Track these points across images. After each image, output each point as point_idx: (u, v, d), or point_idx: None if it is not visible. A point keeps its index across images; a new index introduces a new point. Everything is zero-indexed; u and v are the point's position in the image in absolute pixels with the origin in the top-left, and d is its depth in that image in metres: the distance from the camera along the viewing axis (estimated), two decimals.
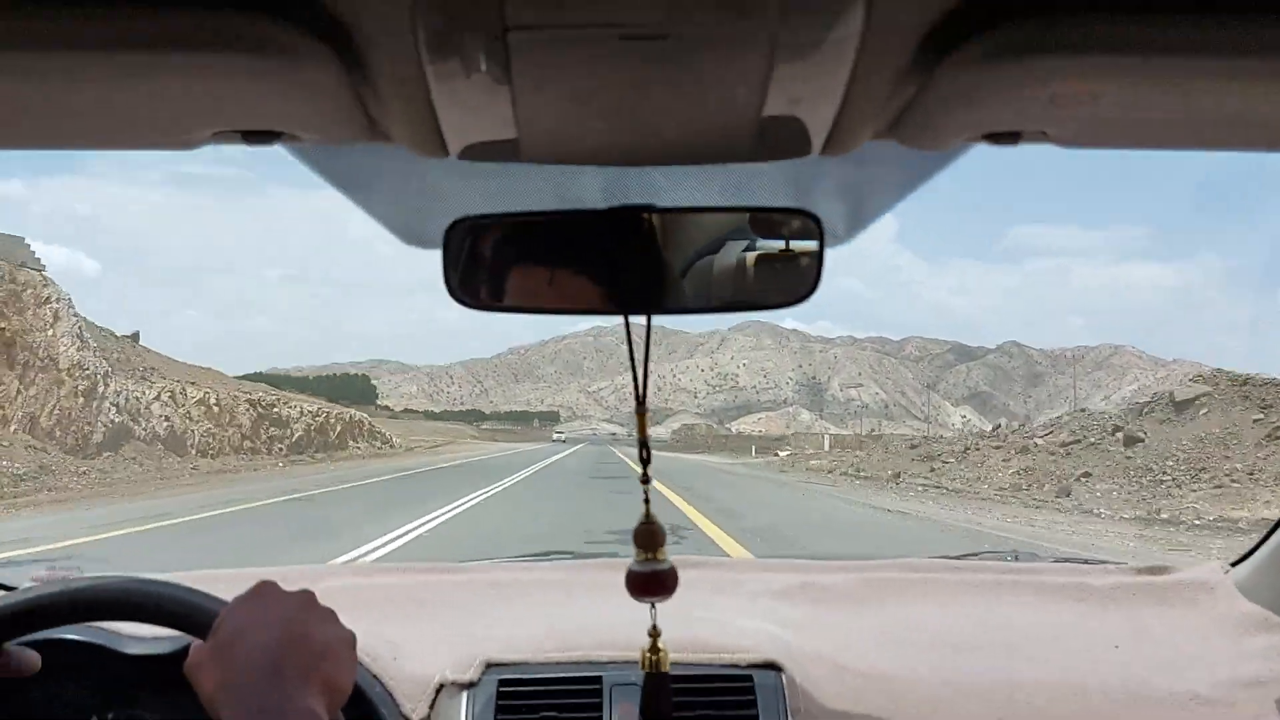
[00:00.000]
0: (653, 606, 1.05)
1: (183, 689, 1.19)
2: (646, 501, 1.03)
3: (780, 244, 0.96)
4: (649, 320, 1.00)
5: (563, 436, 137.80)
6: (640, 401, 1.03)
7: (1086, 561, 1.89)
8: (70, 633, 1.18)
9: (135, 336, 50.11)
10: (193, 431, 40.14)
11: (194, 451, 38.70)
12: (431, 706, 1.29)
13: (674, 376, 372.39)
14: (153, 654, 1.27)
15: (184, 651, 1.15)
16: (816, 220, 0.94)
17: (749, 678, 1.30)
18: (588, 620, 1.48)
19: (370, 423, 66.38)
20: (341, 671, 0.84)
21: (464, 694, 1.30)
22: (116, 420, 35.12)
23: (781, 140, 0.74)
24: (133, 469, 31.20)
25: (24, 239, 37.89)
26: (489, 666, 1.33)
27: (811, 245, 0.94)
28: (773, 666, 1.32)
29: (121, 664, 1.27)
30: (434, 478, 28.86)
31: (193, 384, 44.03)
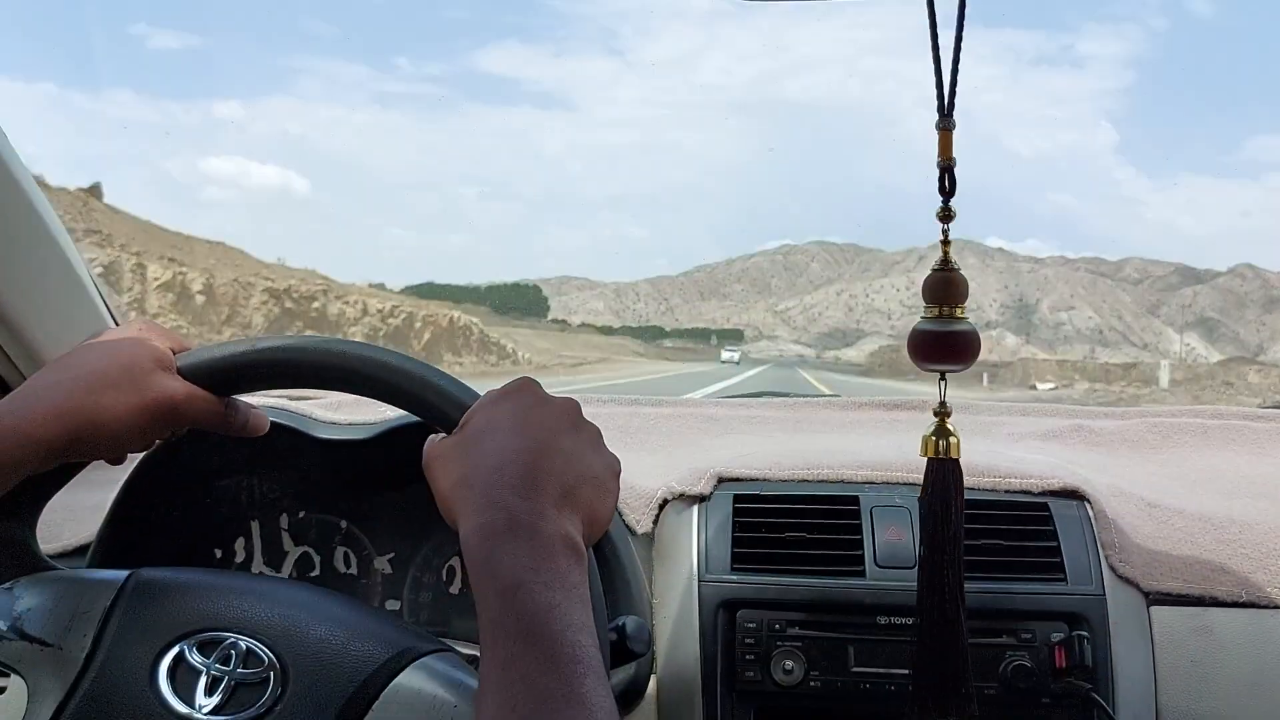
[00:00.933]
0: (942, 378, 0.89)
1: (372, 488, 1.24)
2: (945, 242, 0.85)
3: None
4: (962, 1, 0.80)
5: (735, 358, 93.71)
6: (946, 114, 0.82)
7: None
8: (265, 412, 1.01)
9: (96, 190, 34.90)
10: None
11: None
12: (656, 522, 1.19)
13: (867, 297, 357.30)
14: (347, 439, 1.19)
15: (378, 440, 1.17)
16: None
17: (1044, 505, 1.15)
18: (830, 445, 1.33)
19: (482, 330, 49.96)
20: (604, 500, 0.72)
21: (694, 508, 1.17)
22: None
23: None
24: None
25: None
26: (721, 481, 1.20)
27: None
28: (1074, 494, 1.16)
29: (313, 452, 1.20)
30: None
31: (170, 259, 31.51)
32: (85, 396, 0.76)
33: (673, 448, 1.43)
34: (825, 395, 1.75)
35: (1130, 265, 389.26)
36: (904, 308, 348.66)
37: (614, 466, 0.75)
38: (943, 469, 0.89)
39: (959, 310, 0.84)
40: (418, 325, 41.67)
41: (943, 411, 0.89)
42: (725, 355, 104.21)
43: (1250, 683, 1.08)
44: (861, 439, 1.23)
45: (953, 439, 0.89)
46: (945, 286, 0.84)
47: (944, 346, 0.84)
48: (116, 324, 1.40)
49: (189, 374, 0.82)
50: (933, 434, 0.89)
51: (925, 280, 0.86)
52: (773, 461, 1.24)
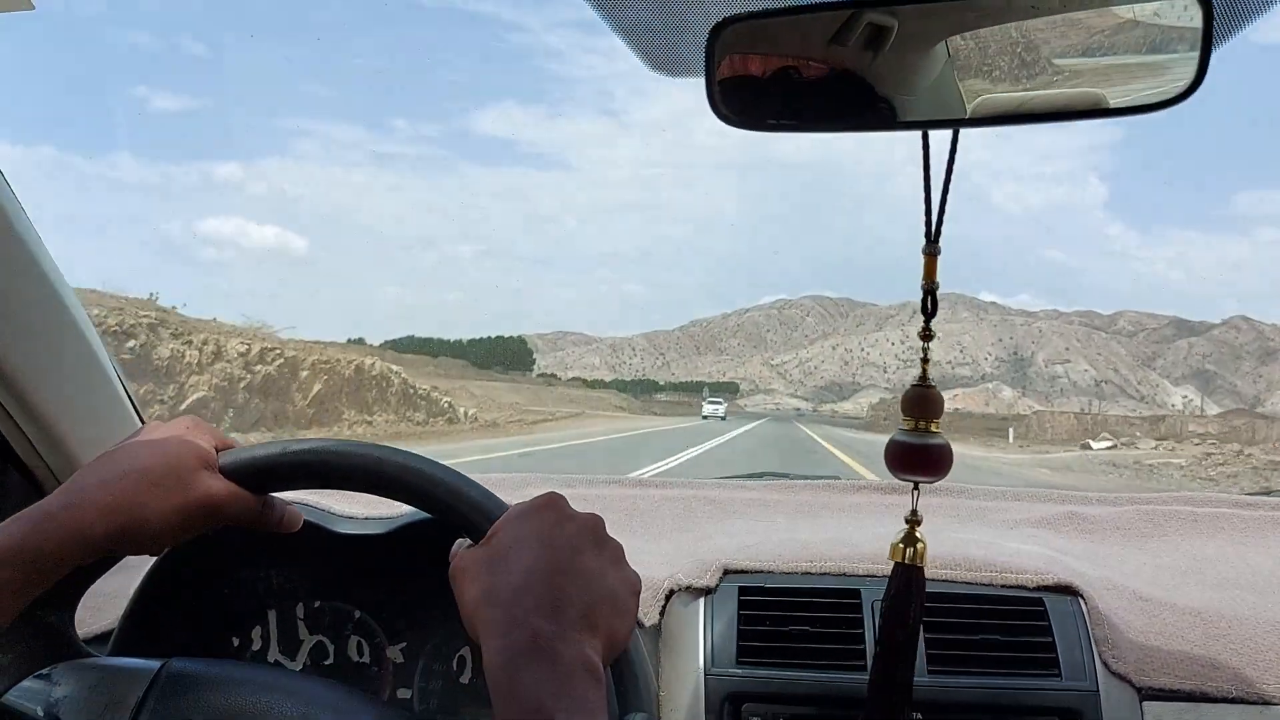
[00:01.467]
0: (915, 489, 0.91)
1: (390, 579, 1.27)
2: (925, 362, 0.90)
3: (1143, 28, 0.75)
4: (955, 134, 0.83)
5: (720, 412, 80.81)
6: (932, 240, 0.86)
7: None
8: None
9: None
10: None
11: None
12: (662, 614, 1.19)
13: (862, 350, 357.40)
14: (366, 534, 1.21)
15: (395, 535, 1.20)
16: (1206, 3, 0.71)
17: (1039, 601, 1.16)
18: (834, 534, 1.34)
19: (405, 381, 36.20)
20: (623, 621, 0.73)
21: (700, 600, 1.18)
22: None
23: None
24: None
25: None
26: (727, 573, 1.21)
27: (1189, 27, 0.72)
28: (1067, 590, 1.17)
29: (332, 546, 1.22)
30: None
31: None
32: (134, 495, 0.78)
33: (679, 533, 1.44)
34: (824, 479, 1.76)
35: (1124, 318, 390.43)
36: (899, 361, 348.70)
37: (634, 585, 0.76)
38: (907, 575, 0.91)
39: (934, 425, 0.87)
40: (303, 374, 29.11)
41: (913, 520, 0.91)
42: (708, 409, 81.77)
43: None
44: (861, 526, 1.22)
45: (919, 545, 0.91)
46: (922, 402, 0.87)
47: (919, 459, 0.87)
48: (140, 416, 1.45)
49: (230, 473, 0.84)
50: (901, 541, 0.92)
51: (904, 394, 0.89)
52: (776, 553, 1.24)
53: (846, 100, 0.83)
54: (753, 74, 0.84)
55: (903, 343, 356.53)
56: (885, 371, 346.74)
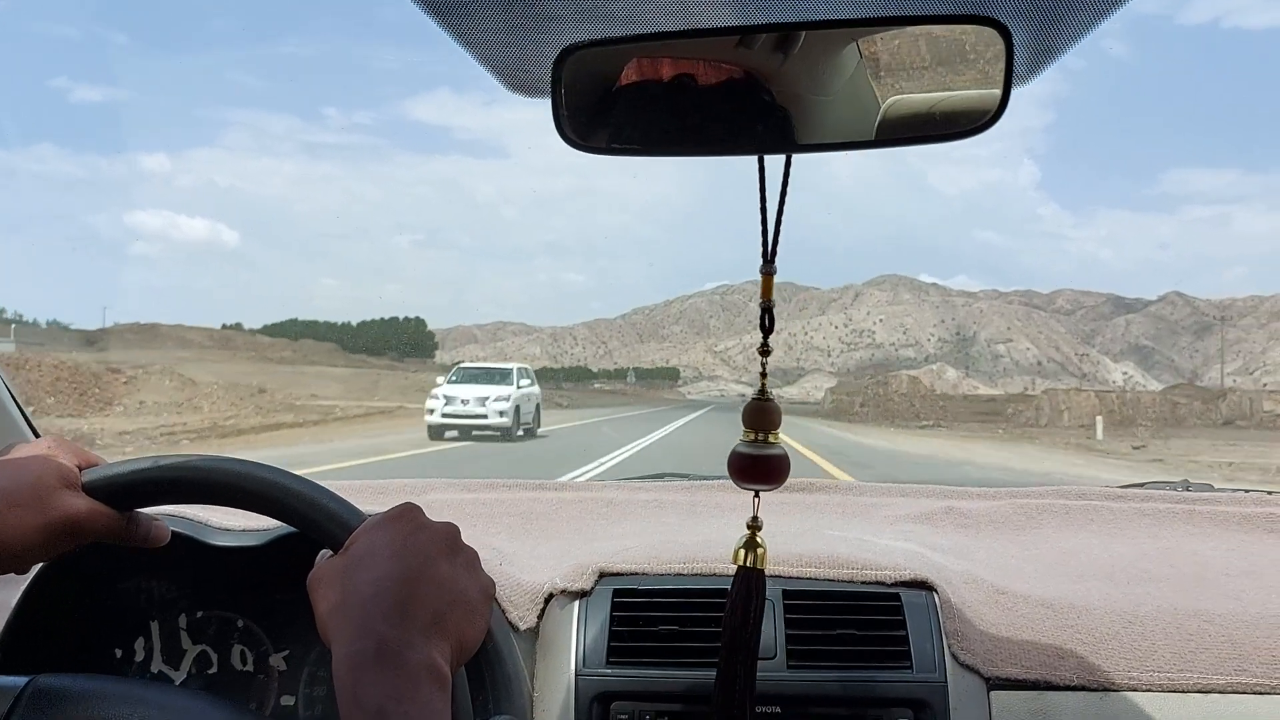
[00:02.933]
0: (756, 496, 0.95)
1: (270, 588, 1.26)
2: (764, 375, 0.94)
3: (954, 64, 0.81)
4: (788, 160, 0.88)
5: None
6: (769, 260, 0.90)
7: (1270, 493, 1.73)
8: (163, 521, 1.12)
9: None
10: None
11: None
12: (540, 616, 1.22)
13: (805, 335, 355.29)
14: (241, 546, 1.22)
15: (272, 546, 1.20)
16: (1005, 32, 0.78)
17: (896, 596, 1.20)
18: (711, 536, 1.38)
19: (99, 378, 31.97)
20: (474, 625, 0.75)
21: (575, 604, 1.22)
22: None
23: None
24: None
25: None
26: (602, 576, 1.25)
27: (992, 66, 0.79)
28: (923, 585, 1.22)
29: (209, 558, 1.22)
30: None
31: None
32: None
33: (572, 535, 1.49)
34: (719, 479, 1.76)
35: (1062, 297, 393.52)
36: (843, 345, 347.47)
37: (488, 589, 0.78)
38: (748, 579, 0.96)
39: (773, 436, 0.92)
40: None
41: (754, 526, 0.96)
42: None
43: None
44: (744, 525, 1.26)
45: (760, 550, 0.96)
46: (761, 415, 0.92)
47: (758, 469, 0.92)
48: (36, 434, 1.45)
49: (93, 490, 0.84)
50: (743, 546, 0.96)
51: (745, 408, 0.93)
52: (653, 555, 1.28)
53: (687, 125, 0.86)
54: (598, 98, 0.85)
55: (846, 325, 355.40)
56: (830, 355, 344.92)
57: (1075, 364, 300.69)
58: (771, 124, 0.84)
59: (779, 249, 0.90)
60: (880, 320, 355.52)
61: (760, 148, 0.86)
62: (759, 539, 0.96)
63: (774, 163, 0.89)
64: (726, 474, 0.91)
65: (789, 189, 0.88)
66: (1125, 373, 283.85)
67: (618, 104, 0.87)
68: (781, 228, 0.89)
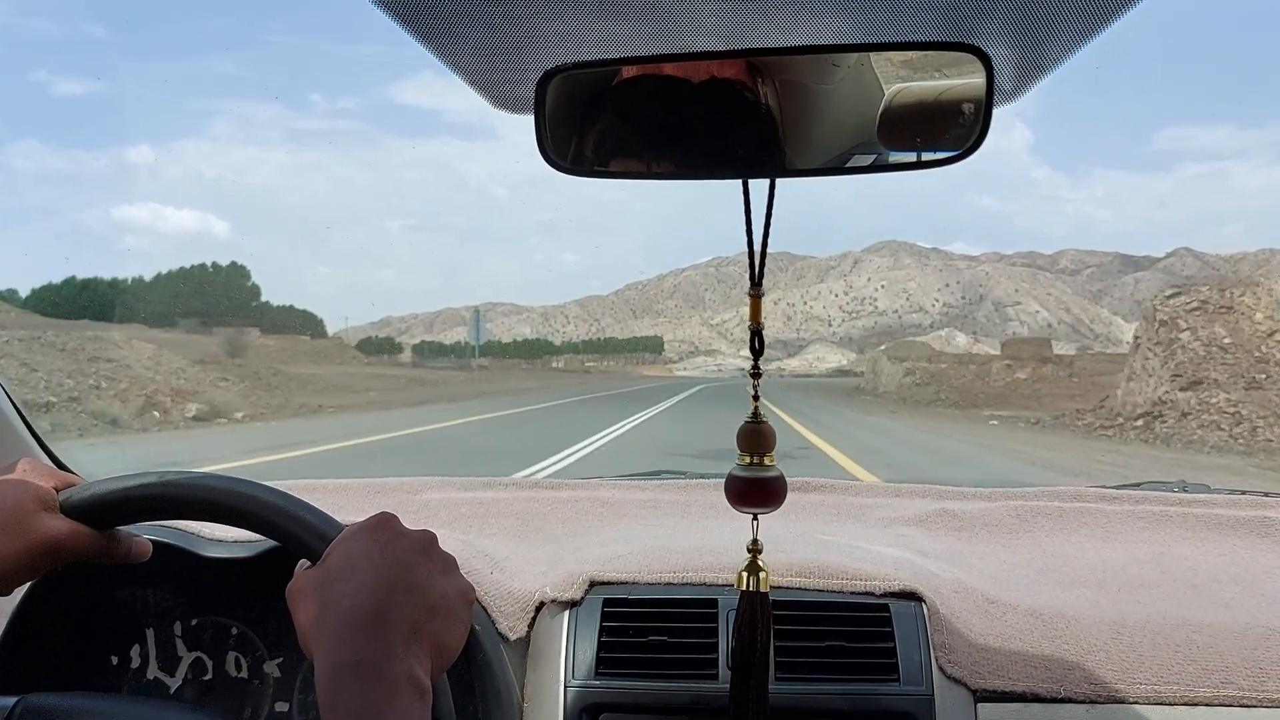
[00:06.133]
0: (755, 519, 0.95)
1: (264, 596, 1.27)
2: (756, 398, 0.94)
3: (935, 90, 0.82)
4: (772, 184, 0.87)
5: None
6: (756, 283, 0.91)
7: (1268, 495, 1.72)
8: (153, 533, 1.09)
9: None
10: None
11: None
12: (531, 625, 1.23)
13: (805, 304, 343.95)
14: (233, 557, 1.23)
15: (264, 556, 1.21)
16: (985, 59, 0.78)
17: (885, 607, 1.20)
18: (703, 542, 1.38)
19: None
20: (453, 631, 0.75)
21: (565, 613, 1.22)
22: None
23: None
24: None
25: None
26: (593, 585, 1.25)
27: (973, 92, 0.80)
28: (912, 596, 1.21)
29: (202, 568, 1.23)
30: None
31: None
32: None
33: (566, 538, 1.48)
34: (718, 477, 1.71)
35: (1066, 257, 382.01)
36: (844, 313, 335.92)
37: (467, 595, 0.78)
38: (752, 602, 0.96)
39: (768, 458, 0.92)
40: None
41: (754, 549, 0.96)
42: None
43: None
44: (738, 528, 1.29)
45: (762, 574, 0.96)
46: (755, 438, 0.91)
47: (756, 492, 0.91)
48: (43, 445, 1.48)
49: (71, 511, 0.85)
50: (745, 570, 0.96)
51: (739, 431, 0.92)
52: (642, 564, 1.28)
53: (671, 150, 0.86)
54: (580, 121, 0.86)
55: (846, 293, 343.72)
56: (830, 325, 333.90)
57: (1087, 325, 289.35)
58: (755, 148, 0.84)
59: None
60: (882, 286, 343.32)
61: (745, 172, 0.86)
62: (761, 562, 0.96)
63: (758, 185, 0.88)
64: (722, 472, 0.89)
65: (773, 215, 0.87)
66: (1138, 335, 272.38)
67: (600, 127, 0.87)
68: (765, 251, 0.89)
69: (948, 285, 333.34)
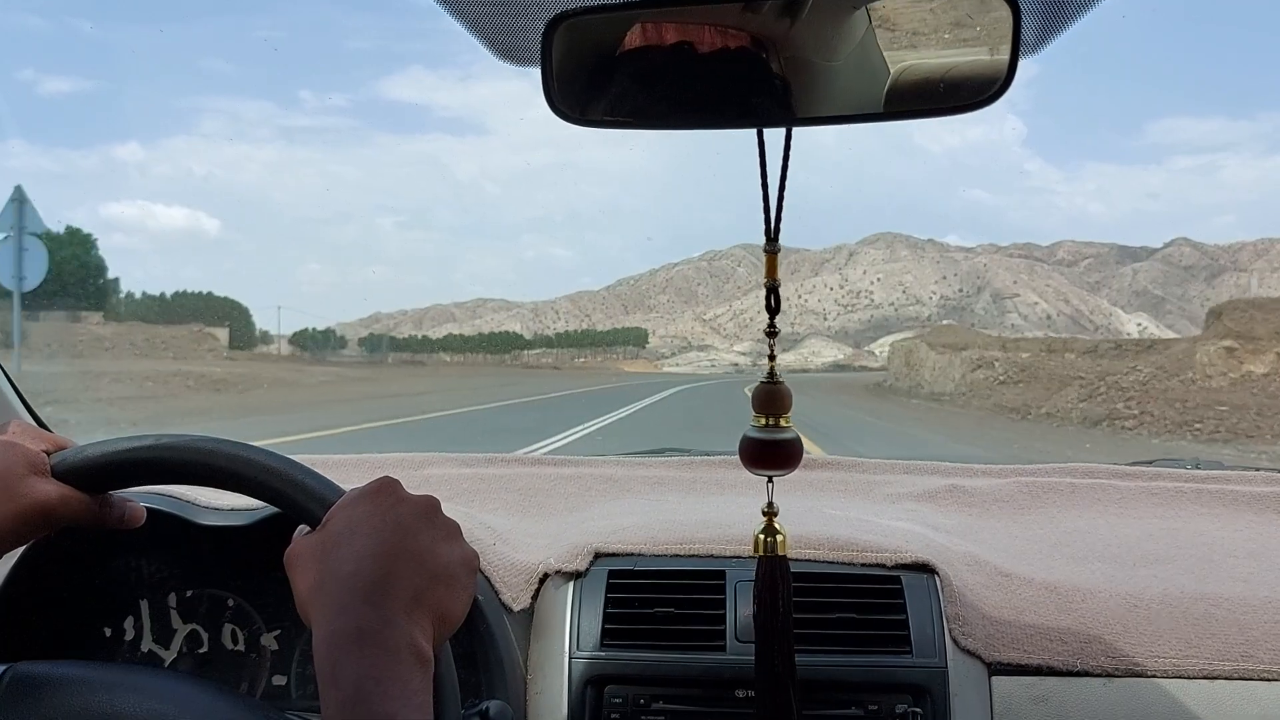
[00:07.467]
0: (770, 481, 0.93)
1: (259, 566, 1.25)
2: (772, 357, 0.92)
3: (962, 33, 0.79)
4: (789, 133, 0.84)
5: None
6: (772, 238, 0.87)
7: None
8: (148, 500, 1.06)
9: None
10: None
11: None
12: (534, 597, 1.22)
13: (799, 298, 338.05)
14: (230, 525, 1.21)
15: (262, 525, 1.19)
16: (1014, 5, 0.75)
17: (896, 579, 1.19)
18: (709, 515, 1.37)
19: None
20: (456, 598, 0.73)
21: (570, 584, 1.21)
22: None
23: None
24: None
25: None
26: (598, 556, 1.24)
27: (998, 37, 0.76)
28: (924, 568, 1.20)
29: (198, 537, 1.21)
30: None
31: None
32: None
33: (569, 512, 1.47)
34: (722, 454, 1.72)
35: (1063, 248, 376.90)
36: (839, 307, 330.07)
37: (470, 562, 0.76)
38: (771, 565, 0.94)
39: (784, 420, 0.89)
40: None
41: (770, 512, 0.94)
42: None
43: None
44: (743, 505, 1.26)
45: (779, 536, 0.94)
46: (771, 399, 0.89)
47: (770, 454, 0.89)
48: (34, 415, 1.46)
49: (62, 475, 0.82)
50: (762, 532, 0.94)
51: (754, 392, 0.90)
52: (648, 536, 1.26)
53: (684, 97, 0.83)
54: (590, 68, 0.83)
55: (841, 287, 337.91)
56: (826, 319, 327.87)
57: (1087, 317, 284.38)
58: (772, 95, 0.81)
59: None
60: (878, 279, 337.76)
61: (760, 120, 0.83)
62: (777, 524, 0.94)
63: (773, 135, 0.84)
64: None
65: (790, 163, 0.83)
66: (1140, 324, 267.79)
67: (611, 74, 0.83)
68: (781, 207, 0.85)
69: (944, 277, 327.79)
